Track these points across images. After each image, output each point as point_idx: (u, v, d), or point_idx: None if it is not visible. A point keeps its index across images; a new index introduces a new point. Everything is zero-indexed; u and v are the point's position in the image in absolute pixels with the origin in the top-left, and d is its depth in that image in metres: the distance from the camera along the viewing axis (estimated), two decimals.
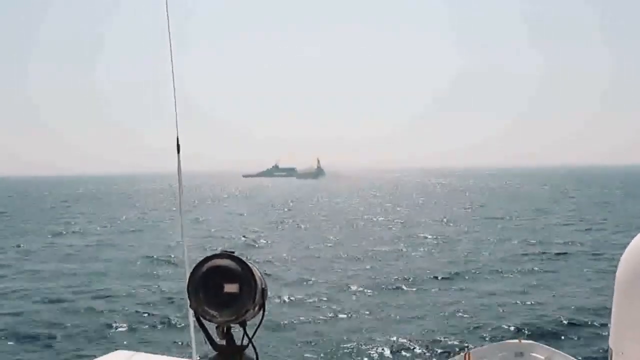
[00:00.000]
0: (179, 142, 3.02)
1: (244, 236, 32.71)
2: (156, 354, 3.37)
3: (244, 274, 1.76)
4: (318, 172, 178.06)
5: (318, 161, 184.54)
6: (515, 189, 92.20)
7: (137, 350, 3.47)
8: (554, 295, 17.11)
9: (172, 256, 24.03)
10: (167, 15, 2.86)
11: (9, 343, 13.19)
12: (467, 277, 20.04)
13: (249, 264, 1.81)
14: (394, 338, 13.33)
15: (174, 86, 2.95)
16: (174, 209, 53.50)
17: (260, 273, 1.85)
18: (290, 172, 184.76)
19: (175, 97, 2.97)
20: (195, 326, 2.01)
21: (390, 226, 37.96)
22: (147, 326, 14.51)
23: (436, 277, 19.94)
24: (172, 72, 2.94)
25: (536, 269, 21.35)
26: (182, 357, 3.34)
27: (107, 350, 3.37)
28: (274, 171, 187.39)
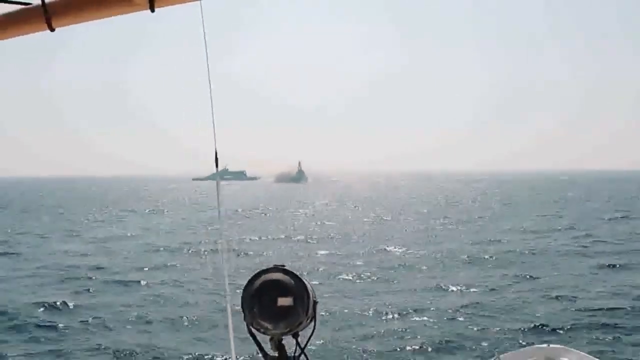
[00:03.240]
0: (217, 156, 2.94)
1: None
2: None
3: (297, 287, 1.86)
4: (300, 176, 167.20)
5: (299, 164, 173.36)
6: None
7: None
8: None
9: None
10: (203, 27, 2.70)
11: None
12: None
13: (301, 277, 1.90)
14: (422, 340, 13.15)
15: (211, 98, 2.83)
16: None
17: (312, 286, 1.93)
18: (239, 175, 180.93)
19: (212, 110, 2.85)
20: (236, 337, 2.10)
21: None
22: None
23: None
24: (209, 83, 2.82)
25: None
26: None
27: None
28: (223, 174, 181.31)
